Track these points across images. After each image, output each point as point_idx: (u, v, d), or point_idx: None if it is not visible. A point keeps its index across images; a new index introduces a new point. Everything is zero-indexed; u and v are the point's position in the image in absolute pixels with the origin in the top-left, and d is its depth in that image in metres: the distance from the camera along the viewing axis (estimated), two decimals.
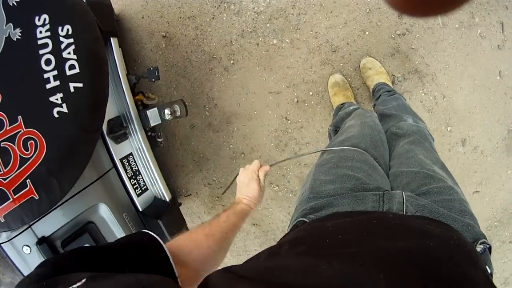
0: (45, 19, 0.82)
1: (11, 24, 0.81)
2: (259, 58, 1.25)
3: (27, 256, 0.90)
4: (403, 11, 0.15)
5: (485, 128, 1.37)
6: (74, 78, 0.81)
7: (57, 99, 0.79)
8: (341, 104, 1.13)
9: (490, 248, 0.43)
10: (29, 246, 0.90)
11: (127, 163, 1.19)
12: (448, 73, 1.30)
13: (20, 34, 0.81)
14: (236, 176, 0.69)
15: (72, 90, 0.81)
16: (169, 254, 0.39)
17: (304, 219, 0.45)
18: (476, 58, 1.30)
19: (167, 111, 1.08)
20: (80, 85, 0.81)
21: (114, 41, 1.15)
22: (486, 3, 1.26)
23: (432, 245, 0.30)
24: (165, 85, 1.42)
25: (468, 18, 1.28)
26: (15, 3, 0.82)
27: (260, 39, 1.25)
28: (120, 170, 1.14)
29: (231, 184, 0.76)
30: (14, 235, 0.87)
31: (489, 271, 0.38)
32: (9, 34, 0.81)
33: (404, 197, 0.45)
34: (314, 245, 0.32)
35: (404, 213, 0.43)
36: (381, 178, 0.56)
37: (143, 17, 1.48)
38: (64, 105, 0.80)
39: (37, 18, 0.82)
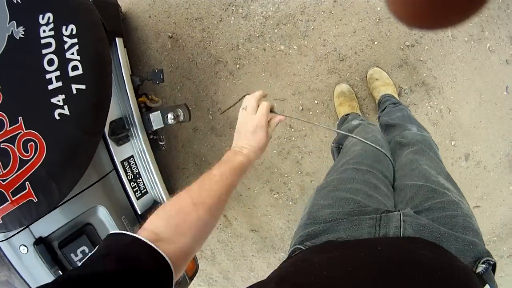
0: (49, 17, 0.80)
1: (14, 22, 0.79)
2: (266, 64, 1.24)
3: (23, 256, 0.90)
4: (412, 24, 0.15)
5: (489, 143, 1.37)
6: (76, 80, 0.80)
7: (58, 101, 0.78)
8: (346, 115, 1.12)
9: (494, 265, 0.42)
10: (26, 246, 0.89)
11: (128, 166, 1.17)
12: (455, 86, 1.29)
13: (23, 33, 0.79)
14: (242, 98, 0.55)
15: (74, 92, 0.79)
16: (168, 261, 0.35)
17: (301, 246, 0.45)
18: (484, 73, 1.29)
19: (170, 116, 1.07)
20: (83, 87, 0.80)
21: (119, 41, 1.13)
22: (497, 16, 1.25)
23: (418, 280, 0.30)
24: (169, 86, 1.41)
25: (478, 31, 1.27)
26: (19, 1, 0.80)
27: (267, 44, 1.23)
28: (121, 173, 1.13)
29: (234, 105, 0.62)
30: (12, 235, 0.87)
31: None
32: (12, 32, 0.79)
33: (401, 219, 0.44)
34: (298, 284, 0.32)
35: (401, 236, 0.43)
36: (383, 197, 0.55)
37: (150, 17, 1.46)
38: (65, 107, 0.78)
39: (41, 16, 0.79)
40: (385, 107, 1.11)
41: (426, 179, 0.57)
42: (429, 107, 1.27)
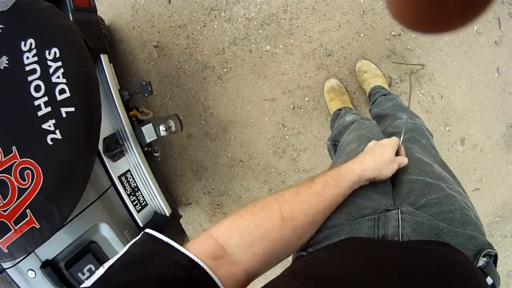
0: (31, 43, 0.80)
1: None
2: (253, 65, 1.25)
3: (32, 280, 0.92)
4: (414, 28, 0.15)
5: (483, 125, 1.38)
6: (65, 103, 0.81)
7: (49, 126, 0.79)
8: (338, 110, 1.14)
9: (496, 256, 0.42)
10: (33, 270, 0.92)
11: (126, 180, 1.20)
12: (445, 72, 1.30)
13: (7, 62, 0.80)
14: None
15: (64, 115, 0.80)
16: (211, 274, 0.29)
17: (303, 252, 0.44)
18: (473, 56, 1.30)
19: (162, 128, 1.09)
20: (72, 109, 0.81)
21: (104, 58, 1.14)
22: None
23: (420, 275, 0.31)
24: (159, 95, 1.43)
25: None
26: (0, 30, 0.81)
27: (253, 45, 1.24)
28: (119, 188, 1.15)
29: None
30: (18, 261, 0.89)
31: (491, 281, 0.38)
32: None
33: (400, 217, 0.44)
34: (310, 277, 0.31)
35: (400, 236, 0.43)
36: (382, 195, 0.55)
37: (133, 27, 1.47)
38: (57, 131, 0.80)
39: (23, 43, 0.80)
40: (376, 99, 1.12)
41: (420, 171, 0.58)
42: (420, 95, 1.28)
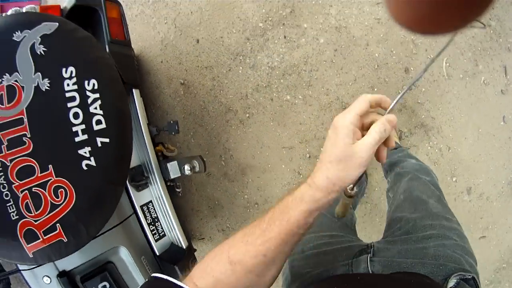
0: (71, 71, 0.88)
1: (39, 73, 0.87)
2: (273, 113, 1.39)
3: (46, 286, 0.99)
4: (415, 29, 0.15)
5: (490, 174, 1.48)
6: (101, 133, 0.88)
7: (85, 152, 0.87)
8: None
9: (474, 279, 0.46)
10: (49, 277, 0.99)
11: (147, 210, 1.31)
12: (453, 124, 1.42)
13: (48, 85, 0.87)
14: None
15: (99, 144, 0.88)
16: None
17: None
18: (480, 106, 1.41)
19: (187, 167, 1.21)
20: (107, 140, 0.89)
21: (136, 93, 1.25)
22: (489, 48, 1.38)
23: None
24: (182, 132, 1.56)
25: (472, 66, 1.40)
26: (42, 52, 0.87)
27: (274, 94, 1.38)
28: (140, 216, 1.25)
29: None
30: (36, 266, 0.96)
31: None
32: (38, 83, 0.87)
33: (368, 261, 0.53)
34: None
35: (371, 271, 0.52)
36: (354, 236, 0.65)
37: (161, 62, 1.63)
38: (92, 158, 0.87)
39: (64, 69, 0.88)
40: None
41: (414, 210, 0.65)
42: (429, 147, 1.40)
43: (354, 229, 0.83)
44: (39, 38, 0.88)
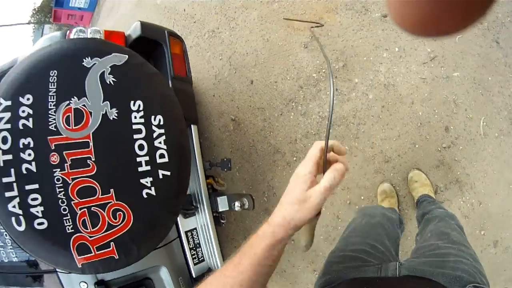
0: (139, 105, 0.95)
1: (108, 102, 0.92)
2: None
3: None
4: (418, 33, 0.16)
5: None
6: (163, 166, 0.96)
7: (147, 182, 0.94)
8: None
9: None
10: (86, 283, 1.07)
11: (191, 236, 1.44)
12: (486, 181, 1.56)
13: (116, 115, 0.93)
14: (312, 27, 0.46)
15: (161, 176, 0.96)
16: None
17: None
18: None
19: (237, 204, 1.37)
20: (168, 173, 0.97)
21: (194, 129, 1.38)
22: None
23: None
24: None
25: (507, 125, 1.55)
26: (111, 82, 0.94)
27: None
28: (184, 241, 1.36)
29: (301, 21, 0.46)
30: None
31: None
32: (106, 111, 0.92)
33: (397, 266, 0.61)
34: None
35: (398, 275, 0.60)
36: (385, 251, 0.75)
37: (214, 95, 1.79)
38: (152, 188, 0.94)
39: (132, 102, 0.94)
40: (422, 205, 1.40)
41: (438, 238, 0.77)
42: (461, 202, 1.55)
43: (397, 245, 0.94)
44: (109, 68, 0.95)
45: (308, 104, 1.56)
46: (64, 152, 0.88)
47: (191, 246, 1.47)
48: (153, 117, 0.96)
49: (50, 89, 0.89)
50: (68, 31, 1.20)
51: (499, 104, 1.52)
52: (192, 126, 1.39)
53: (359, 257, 0.69)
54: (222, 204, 1.45)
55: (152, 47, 1.36)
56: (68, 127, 0.89)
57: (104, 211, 0.89)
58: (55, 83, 0.90)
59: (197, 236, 1.49)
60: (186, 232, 1.44)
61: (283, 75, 1.61)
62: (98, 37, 1.24)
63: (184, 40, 1.74)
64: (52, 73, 0.90)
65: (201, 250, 1.51)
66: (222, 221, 1.56)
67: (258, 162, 1.65)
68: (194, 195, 1.48)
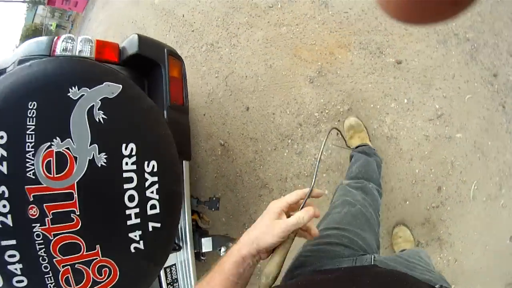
0: (132, 149, 0.85)
1: (96, 145, 0.81)
2: None
3: None
4: (405, 20, 0.16)
5: (485, 286, 1.73)
6: (153, 218, 0.90)
7: (135, 236, 0.88)
8: None
9: None
10: None
11: (169, 271, 1.43)
12: (465, 241, 1.63)
13: (105, 161, 0.82)
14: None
15: (150, 229, 0.91)
16: None
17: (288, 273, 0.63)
18: (493, 226, 1.62)
19: (223, 249, 1.35)
20: (158, 225, 0.92)
21: (185, 165, 1.29)
22: None
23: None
24: (210, 191, 1.67)
25: (495, 190, 1.60)
26: (101, 120, 0.82)
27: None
28: (161, 276, 1.38)
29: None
30: None
31: None
32: (93, 156, 0.81)
33: (372, 259, 0.61)
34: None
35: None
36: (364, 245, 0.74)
37: (204, 115, 1.69)
38: (141, 242, 0.89)
39: (124, 146, 0.84)
40: None
41: (408, 256, 0.75)
42: (438, 258, 1.61)
43: (378, 236, 0.92)
44: (99, 102, 0.82)
45: (305, 144, 1.51)
46: (44, 205, 0.76)
47: (168, 281, 1.44)
48: (146, 163, 0.87)
49: (28, 126, 0.75)
50: (56, 38, 1.06)
51: (493, 169, 1.55)
52: (184, 162, 1.29)
53: (332, 250, 0.67)
54: (207, 245, 1.42)
55: (148, 65, 1.22)
56: (49, 175, 0.77)
57: (89, 268, 0.83)
58: (34, 119, 0.75)
59: (176, 272, 1.46)
60: (165, 268, 1.40)
61: (282, 108, 1.53)
62: (89, 50, 1.09)
63: (179, 49, 1.59)
64: (31, 105, 0.75)
65: (178, 286, 1.49)
66: (202, 257, 1.53)
67: (243, 193, 1.60)
68: (178, 233, 1.42)
